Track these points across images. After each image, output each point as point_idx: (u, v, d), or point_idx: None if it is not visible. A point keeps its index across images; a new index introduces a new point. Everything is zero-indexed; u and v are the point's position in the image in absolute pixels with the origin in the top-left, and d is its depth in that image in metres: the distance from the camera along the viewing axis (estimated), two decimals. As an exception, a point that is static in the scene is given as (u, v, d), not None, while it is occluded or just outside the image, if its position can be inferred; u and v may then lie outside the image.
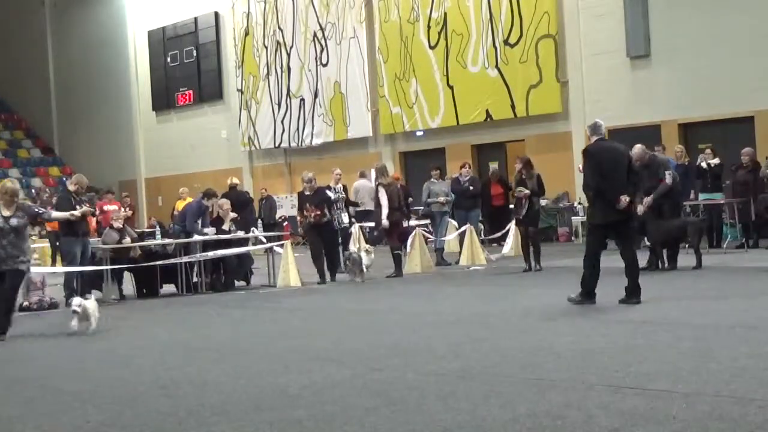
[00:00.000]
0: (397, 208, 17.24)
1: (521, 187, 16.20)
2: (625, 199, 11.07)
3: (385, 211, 17.09)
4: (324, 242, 16.61)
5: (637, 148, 15.01)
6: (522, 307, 11.40)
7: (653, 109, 23.05)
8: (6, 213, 11.46)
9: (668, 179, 15.06)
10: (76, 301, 11.49)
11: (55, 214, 14.07)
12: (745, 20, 21.52)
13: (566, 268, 16.86)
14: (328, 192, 17.16)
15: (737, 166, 18.73)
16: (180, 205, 24.61)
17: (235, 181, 25.11)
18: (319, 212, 16.40)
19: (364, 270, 16.31)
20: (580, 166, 11.72)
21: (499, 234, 21.78)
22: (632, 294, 11.07)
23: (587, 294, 11.15)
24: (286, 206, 30.79)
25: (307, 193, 16.69)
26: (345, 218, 18.19)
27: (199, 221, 16.81)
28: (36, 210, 12.71)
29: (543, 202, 24.83)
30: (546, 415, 5.82)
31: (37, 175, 38.85)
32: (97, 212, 18.36)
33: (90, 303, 11.46)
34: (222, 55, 33.95)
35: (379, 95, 28.84)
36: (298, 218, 18.22)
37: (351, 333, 10.26)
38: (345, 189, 18.57)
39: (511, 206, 18.40)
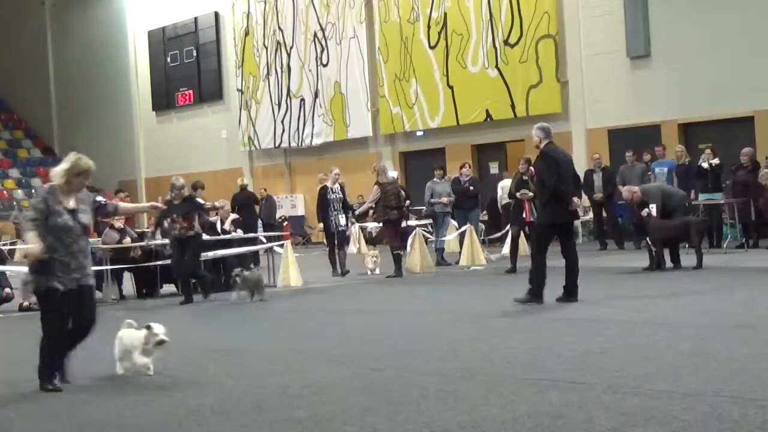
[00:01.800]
0: (396, 207, 17.26)
1: (525, 190, 16.10)
2: (577, 201, 11.42)
3: (363, 207, 18.28)
4: (184, 258, 14.70)
5: (625, 192, 15.80)
6: (522, 307, 11.39)
7: (653, 109, 23.05)
8: (70, 204, 7.86)
9: (654, 212, 15.17)
10: None
11: (123, 206, 10.59)
12: (745, 20, 21.52)
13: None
14: (198, 205, 15.29)
15: (737, 166, 18.73)
16: None
17: (245, 181, 25.20)
18: (186, 224, 14.64)
19: (264, 290, 14.28)
20: (531, 169, 11.88)
21: (499, 234, 21.80)
22: (571, 293, 11.43)
23: (537, 294, 11.36)
24: (286, 206, 30.82)
25: (176, 202, 14.83)
26: (342, 220, 17.75)
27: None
28: (99, 201, 8.50)
29: (580, 201, 24.84)
30: (546, 415, 5.82)
31: (37, 175, 38.84)
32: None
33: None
34: (222, 55, 33.95)
35: (379, 95, 28.84)
36: (153, 228, 16.00)
37: (351, 333, 10.26)
38: (343, 189, 18.17)
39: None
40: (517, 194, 16.31)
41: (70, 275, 7.66)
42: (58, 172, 7.87)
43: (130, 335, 8.09)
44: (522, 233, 17.04)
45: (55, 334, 7.66)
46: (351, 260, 18.78)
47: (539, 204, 12.07)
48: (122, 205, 10.81)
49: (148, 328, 8.06)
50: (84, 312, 7.81)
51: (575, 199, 11.58)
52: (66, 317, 7.76)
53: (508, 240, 20.54)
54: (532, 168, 11.97)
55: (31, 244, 7.61)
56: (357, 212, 19.17)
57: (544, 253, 11.61)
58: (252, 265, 15.62)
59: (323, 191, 17.80)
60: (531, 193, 15.99)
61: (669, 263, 14.98)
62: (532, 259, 11.72)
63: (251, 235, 18.28)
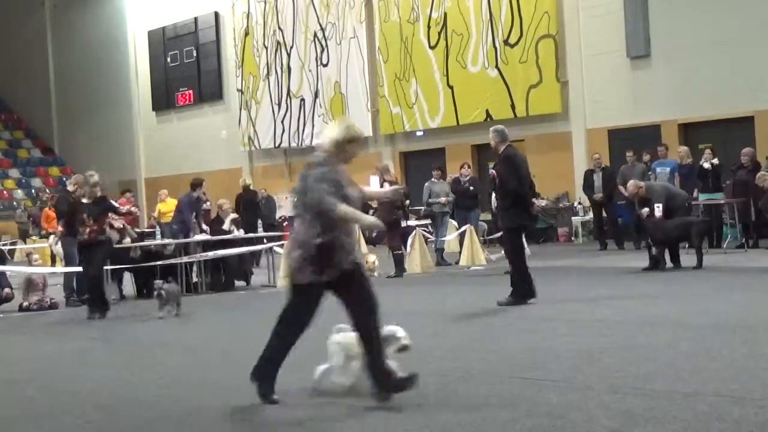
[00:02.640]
0: (397, 207, 17.29)
1: None
2: (537, 203, 11.54)
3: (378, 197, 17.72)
4: (92, 265, 13.01)
5: (630, 186, 15.68)
6: (522, 307, 11.39)
7: (653, 109, 23.04)
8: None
9: (658, 213, 15.16)
10: None
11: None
12: (745, 20, 21.52)
13: (566, 268, 16.88)
14: (112, 208, 13.67)
15: (737, 166, 18.73)
16: (163, 208, 24.74)
17: (248, 181, 25.26)
18: (96, 228, 12.91)
19: (179, 302, 12.75)
20: (494, 172, 11.87)
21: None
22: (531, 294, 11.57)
23: (521, 296, 11.44)
24: (287, 206, 30.80)
25: (86, 201, 13.10)
26: None
27: (193, 214, 16.76)
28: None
29: (543, 202, 24.92)
30: (546, 415, 5.82)
31: (37, 175, 38.86)
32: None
33: None
34: (222, 55, 33.95)
35: (379, 95, 28.84)
36: (58, 230, 14.53)
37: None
38: None
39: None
40: None
41: (349, 257, 6.71)
42: (330, 140, 6.79)
43: (351, 341, 6.94)
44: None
45: (300, 331, 6.81)
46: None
47: (501, 208, 12.10)
48: None
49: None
50: (363, 292, 6.77)
51: (534, 200, 11.68)
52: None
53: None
54: (494, 171, 11.92)
55: (362, 216, 6.80)
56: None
57: (522, 254, 11.74)
58: (170, 277, 13.93)
59: None
60: None
61: (669, 263, 14.97)
62: (511, 263, 11.81)
63: (252, 234, 18.25)
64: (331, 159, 6.68)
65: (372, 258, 17.57)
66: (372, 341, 6.53)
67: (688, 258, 15.09)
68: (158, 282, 13.24)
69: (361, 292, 6.69)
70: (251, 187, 24.54)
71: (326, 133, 6.85)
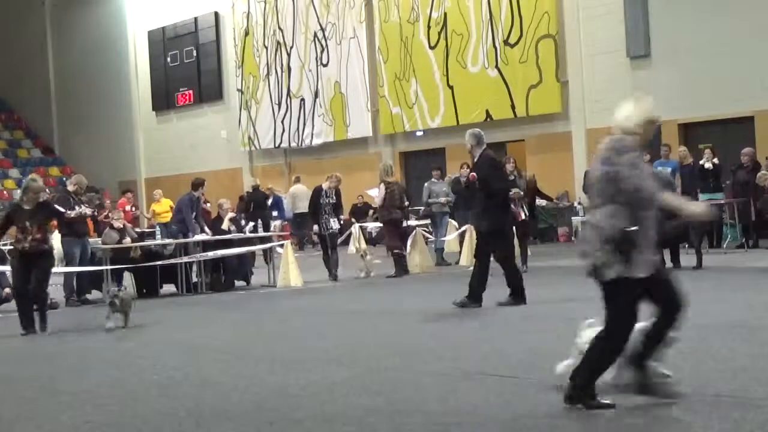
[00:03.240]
0: (398, 207, 17.29)
1: (516, 189, 16.10)
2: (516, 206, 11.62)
3: (378, 201, 17.83)
4: (37, 282, 11.65)
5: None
6: (522, 307, 11.39)
7: (653, 109, 23.01)
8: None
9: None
10: None
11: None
12: (745, 20, 21.51)
13: (566, 268, 16.87)
14: (55, 213, 12.67)
15: (737, 166, 18.74)
16: (157, 208, 24.81)
17: (257, 182, 25.29)
18: (39, 236, 11.61)
19: (130, 313, 11.76)
20: (473, 174, 11.82)
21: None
22: (519, 295, 11.56)
23: (476, 298, 11.43)
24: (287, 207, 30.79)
25: (27, 207, 11.77)
26: (333, 223, 17.20)
27: (193, 214, 16.75)
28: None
29: (542, 202, 24.92)
30: (546, 415, 5.82)
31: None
32: (122, 214, 18.20)
33: None
34: (222, 55, 33.94)
35: (379, 95, 28.83)
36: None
37: (351, 333, 10.25)
38: (338, 193, 17.46)
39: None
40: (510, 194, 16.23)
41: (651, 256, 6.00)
42: (635, 120, 6.15)
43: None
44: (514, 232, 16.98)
45: (627, 335, 6.05)
46: (351, 261, 18.78)
47: (483, 211, 11.97)
48: None
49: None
50: (672, 293, 6.08)
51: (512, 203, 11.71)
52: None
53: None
54: (474, 174, 11.85)
55: (686, 204, 6.33)
56: (378, 201, 19.00)
57: (489, 258, 11.69)
58: (124, 285, 13.14)
59: (317, 192, 17.40)
60: (522, 192, 16.05)
61: (669, 263, 14.96)
62: (477, 264, 11.73)
63: (252, 234, 18.25)
64: (636, 142, 6.07)
65: (369, 256, 17.53)
66: (659, 340, 6.06)
67: (688, 258, 15.09)
68: (113, 289, 12.22)
69: (671, 296, 6.07)
70: (260, 188, 24.61)
71: (628, 113, 6.17)
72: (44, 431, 6.43)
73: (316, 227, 17.54)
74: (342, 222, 18.18)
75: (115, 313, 11.51)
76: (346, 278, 16.97)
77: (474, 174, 11.80)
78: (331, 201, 17.21)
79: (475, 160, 11.91)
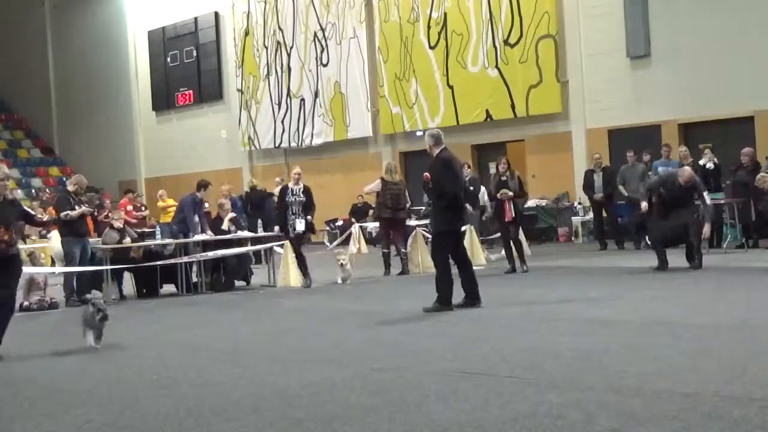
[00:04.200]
0: (392, 208, 17.31)
1: (505, 189, 16.11)
2: (470, 207, 11.52)
3: (366, 189, 17.92)
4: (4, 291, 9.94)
5: (687, 171, 15.56)
6: (522, 307, 11.39)
7: (653, 109, 23.05)
8: None
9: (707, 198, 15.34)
10: None
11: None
12: (745, 20, 21.52)
13: (566, 268, 16.89)
14: (24, 214, 10.53)
15: (737, 166, 18.73)
16: (163, 206, 24.86)
17: (255, 182, 25.30)
18: (7, 239, 9.72)
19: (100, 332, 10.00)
20: (426, 174, 11.81)
21: (498, 234, 21.78)
22: (475, 298, 11.52)
23: (446, 301, 11.34)
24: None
25: None
26: (299, 225, 16.08)
27: (196, 216, 16.75)
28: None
29: (543, 202, 24.93)
30: (546, 415, 5.82)
31: (37, 175, 38.84)
32: (122, 214, 18.20)
33: None
34: (222, 55, 33.95)
35: (379, 95, 28.84)
36: None
37: (351, 333, 10.25)
38: (308, 191, 16.32)
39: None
40: (498, 195, 16.22)
41: None
42: None
43: None
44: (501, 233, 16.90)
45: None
46: (327, 262, 18.75)
47: (434, 211, 11.98)
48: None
49: None
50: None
51: (467, 204, 11.63)
52: None
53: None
54: (427, 174, 11.83)
55: None
56: (366, 191, 18.89)
57: (447, 259, 11.70)
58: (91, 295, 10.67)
59: (283, 192, 16.56)
60: (511, 193, 16.04)
61: (670, 263, 14.94)
62: (436, 267, 11.69)
63: (251, 234, 18.24)
64: None
65: (343, 258, 16.51)
66: None
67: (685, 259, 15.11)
68: (95, 293, 10.70)
69: None
70: (258, 188, 24.59)
71: None
72: (44, 431, 6.43)
73: (277, 228, 16.84)
74: (311, 222, 16.47)
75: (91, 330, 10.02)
76: (347, 279, 16.82)
77: (427, 174, 11.79)
78: (298, 199, 16.20)
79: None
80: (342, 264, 16.20)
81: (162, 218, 24.84)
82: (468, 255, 12.16)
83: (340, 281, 16.17)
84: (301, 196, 16.18)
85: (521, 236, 16.77)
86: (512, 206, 16.17)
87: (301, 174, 16.69)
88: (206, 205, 17.76)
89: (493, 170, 26.71)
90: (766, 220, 18.25)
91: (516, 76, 25.42)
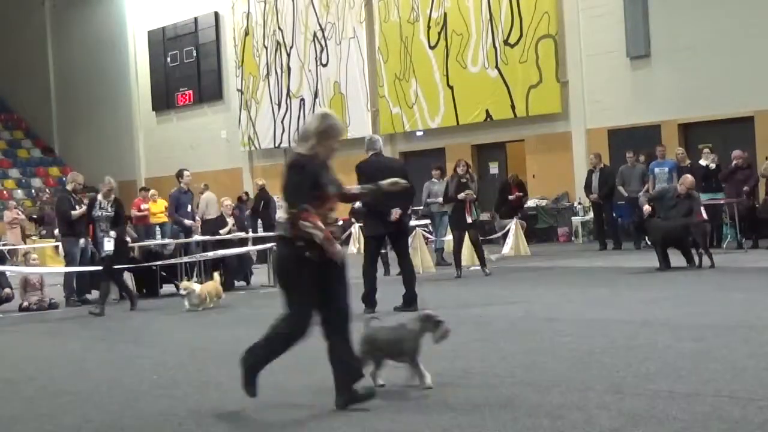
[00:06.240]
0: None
1: (469, 191, 16.06)
2: (396, 212, 11.44)
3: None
4: None
5: (689, 179, 15.64)
6: (522, 307, 11.39)
7: (653, 109, 23.04)
8: None
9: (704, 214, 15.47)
10: None
11: None
12: (744, 21, 21.51)
13: (566, 268, 16.89)
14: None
15: (731, 170, 18.78)
16: (153, 208, 24.83)
17: (262, 182, 25.33)
18: None
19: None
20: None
21: (498, 234, 21.81)
22: (409, 303, 11.49)
23: (370, 303, 11.38)
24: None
25: None
26: (107, 244, 13.83)
27: (188, 207, 16.78)
28: None
29: (543, 202, 24.93)
30: (546, 415, 5.82)
31: (37, 175, 38.84)
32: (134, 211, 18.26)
33: None
34: (222, 55, 33.94)
35: (379, 95, 28.84)
36: None
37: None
38: (118, 203, 14.21)
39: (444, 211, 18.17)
40: (459, 196, 16.11)
41: None
42: None
43: None
44: (456, 234, 16.65)
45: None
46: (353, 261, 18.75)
47: (364, 215, 12.19)
48: None
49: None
50: None
51: (394, 210, 11.38)
52: None
53: (509, 240, 20.62)
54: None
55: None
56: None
57: (375, 263, 11.82)
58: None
59: (91, 203, 14.34)
60: (474, 195, 16.02)
61: (666, 264, 14.95)
62: (363, 270, 11.70)
63: (252, 234, 18.26)
64: None
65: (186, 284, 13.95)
66: None
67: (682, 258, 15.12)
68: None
69: None
70: (266, 188, 24.67)
71: None
72: (44, 431, 6.43)
73: (82, 241, 15.09)
74: (124, 238, 14.61)
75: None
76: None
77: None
78: (106, 214, 14.01)
79: None
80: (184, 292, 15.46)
81: (152, 219, 24.88)
82: (410, 262, 12.07)
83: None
84: (110, 209, 14.05)
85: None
86: (473, 208, 16.13)
87: (112, 186, 14.33)
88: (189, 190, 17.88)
89: (494, 170, 26.86)
90: (766, 221, 18.29)
91: (516, 76, 25.41)
